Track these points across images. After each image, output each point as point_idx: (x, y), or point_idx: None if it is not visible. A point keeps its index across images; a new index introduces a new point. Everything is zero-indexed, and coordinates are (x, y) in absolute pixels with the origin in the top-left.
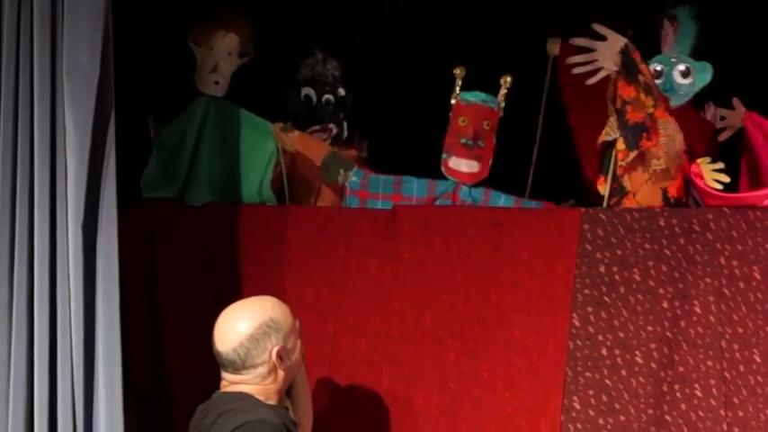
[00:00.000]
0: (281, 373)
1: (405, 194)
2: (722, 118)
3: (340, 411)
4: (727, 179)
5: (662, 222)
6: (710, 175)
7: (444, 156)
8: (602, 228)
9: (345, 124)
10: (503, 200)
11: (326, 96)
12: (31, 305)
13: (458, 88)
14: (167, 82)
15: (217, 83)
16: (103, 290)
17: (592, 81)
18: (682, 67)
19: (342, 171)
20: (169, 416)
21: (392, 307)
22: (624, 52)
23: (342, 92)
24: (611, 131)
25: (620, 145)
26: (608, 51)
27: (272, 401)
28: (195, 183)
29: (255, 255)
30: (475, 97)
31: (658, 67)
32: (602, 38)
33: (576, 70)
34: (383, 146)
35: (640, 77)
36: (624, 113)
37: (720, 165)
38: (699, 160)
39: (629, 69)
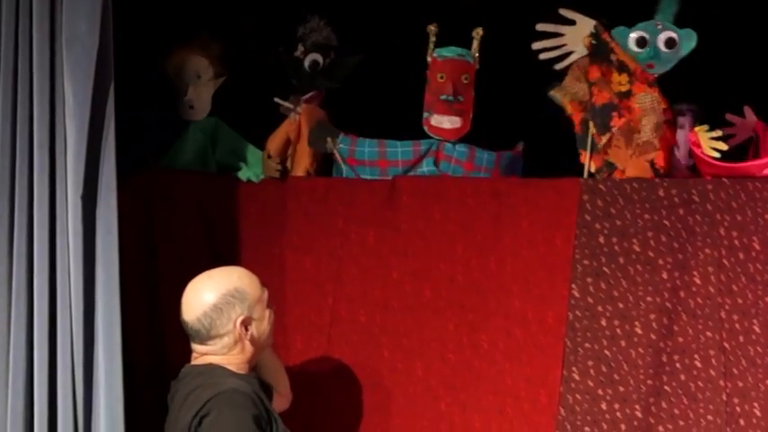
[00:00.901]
0: (247, 344)
1: (390, 159)
2: (732, 124)
3: (339, 382)
4: (724, 147)
5: (661, 193)
6: (708, 143)
7: (426, 114)
8: (602, 198)
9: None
10: (486, 156)
11: (330, 59)
12: (30, 276)
13: (432, 45)
14: (161, 118)
15: (192, 107)
16: (103, 260)
17: (561, 66)
18: (666, 36)
19: (328, 139)
20: (168, 389)
21: (391, 278)
22: (594, 34)
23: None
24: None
25: (594, 128)
26: (577, 35)
27: (243, 371)
28: None
29: (255, 226)
30: (451, 52)
31: (643, 35)
32: (571, 22)
33: (545, 56)
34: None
35: (612, 57)
36: (591, 95)
37: (718, 132)
38: (696, 128)
39: (599, 51)
